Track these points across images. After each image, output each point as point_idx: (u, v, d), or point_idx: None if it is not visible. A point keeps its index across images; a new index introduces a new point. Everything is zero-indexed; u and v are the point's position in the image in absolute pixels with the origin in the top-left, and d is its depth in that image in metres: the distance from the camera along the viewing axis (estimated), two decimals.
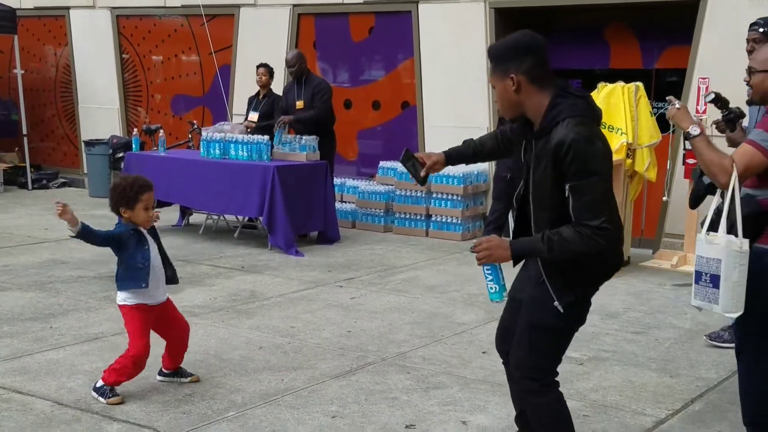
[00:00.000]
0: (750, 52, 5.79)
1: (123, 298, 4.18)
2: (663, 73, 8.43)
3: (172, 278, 4.36)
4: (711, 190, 3.92)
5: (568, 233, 2.81)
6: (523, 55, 2.88)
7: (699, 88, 7.54)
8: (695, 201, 4.29)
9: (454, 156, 3.41)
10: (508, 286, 3.15)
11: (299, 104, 8.38)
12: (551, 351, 3.11)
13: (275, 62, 10.29)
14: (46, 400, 4.16)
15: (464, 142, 3.46)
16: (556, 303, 2.95)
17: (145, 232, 4.22)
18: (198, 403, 4.15)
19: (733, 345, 5.31)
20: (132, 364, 4.10)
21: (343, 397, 4.26)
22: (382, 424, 3.94)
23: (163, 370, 4.42)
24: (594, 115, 2.90)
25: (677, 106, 3.36)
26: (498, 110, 3.09)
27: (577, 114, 2.82)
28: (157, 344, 4.33)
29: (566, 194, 2.80)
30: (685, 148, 7.40)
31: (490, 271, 3.06)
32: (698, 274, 3.27)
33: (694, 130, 3.19)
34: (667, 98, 3.69)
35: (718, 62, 7.67)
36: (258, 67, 8.87)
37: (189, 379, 4.41)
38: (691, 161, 7.34)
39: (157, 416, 3.99)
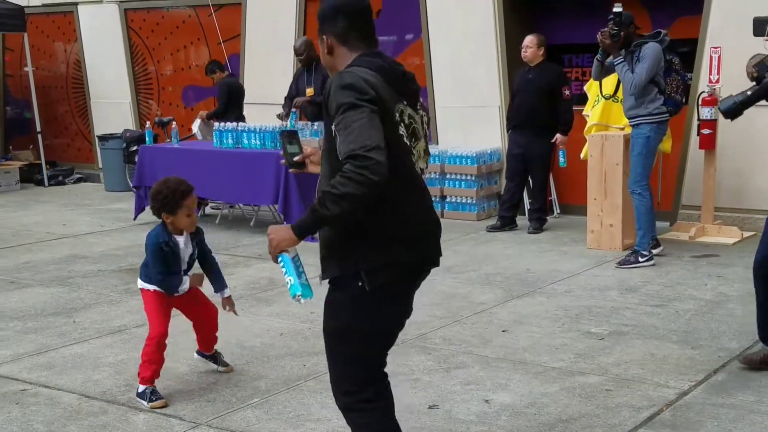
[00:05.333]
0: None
1: (141, 282, 4.18)
2: (674, 44, 8.34)
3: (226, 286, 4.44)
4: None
5: (335, 179, 2.47)
6: (335, 16, 2.73)
7: (711, 58, 7.47)
8: (736, 112, 4.69)
9: None
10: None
11: (309, 91, 8.38)
12: (353, 356, 2.71)
13: (284, 49, 10.28)
14: (73, 393, 4.21)
15: None
16: (317, 277, 2.68)
17: (182, 239, 4.15)
18: (222, 391, 4.19)
19: (636, 263, 6.49)
20: (155, 346, 4.08)
21: None
22: (405, 405, 3.96)
23: (199, 350, 4.46)
24: (384, 72, 2.62)
25: None
26: None
27: (356, 65, 2.63)
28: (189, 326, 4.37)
29: (334, 136, 2.53)
30: (699, 119, 7.36)
31: (282, 262, 2.69)
32: None
33: None
34: None
35: (729, 31, 7.60)
36: None
37: (223, 368, 4.42)
38: (706, 131, 7.29)
39: (182, 405, 4.03)
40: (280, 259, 2.68)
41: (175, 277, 4.13)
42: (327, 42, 2.75)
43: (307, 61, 8.42)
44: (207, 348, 4.44)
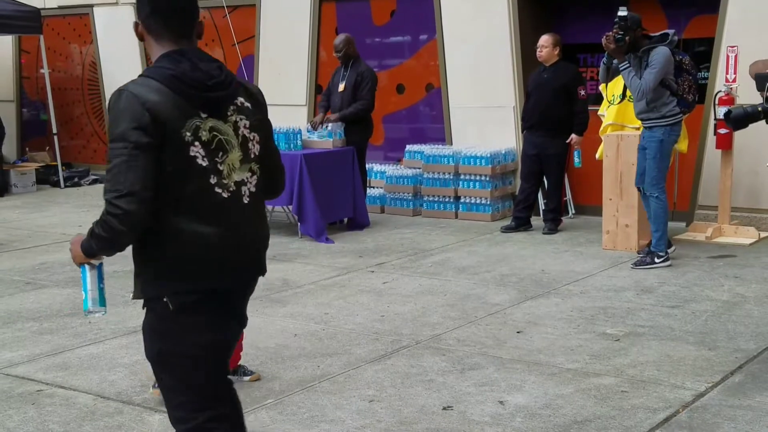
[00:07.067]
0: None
1: None
2: (690, 43, 8.30)
3: None
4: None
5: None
6: (142, 1, 2.54)
7: (728, 57, 7.42)
8: (742, 123, 4.59)
9: None
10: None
11: (341, 87, 8.40)
12: (176, 381, 2.58)
13: (299, 50, 10.32)
14: (89, 394, 4.23)
15: None
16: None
17: None
18: (236, 392, 4.19)
19: (652, 264, 6.43)
20: None
21: (379, 381, 4.28)
22: (420, 407, 3.96)
23: None
24: (176, 83, 2.42)
25: None
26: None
27: (147, 75, 2.45)
28: None
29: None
30: (715, 119, 7.30)
31: (82, 275, 2.62)
32: None
33: None
34: None
35: (745, 30, 7.54)
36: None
37: (249, 378, 4.35)
38: (722, 131, 7.24)
39: None
40: (81, 270, 2.62)
41: None
42: (137, 28, 2.57)
43: (345, 58, 8.43)
44: (231, 365, 4.37)
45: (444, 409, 3.93)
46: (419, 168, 9.12)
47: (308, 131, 8.38)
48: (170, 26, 2.51)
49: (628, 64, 6.27)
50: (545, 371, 4.38)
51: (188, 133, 2.42)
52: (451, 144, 9.33)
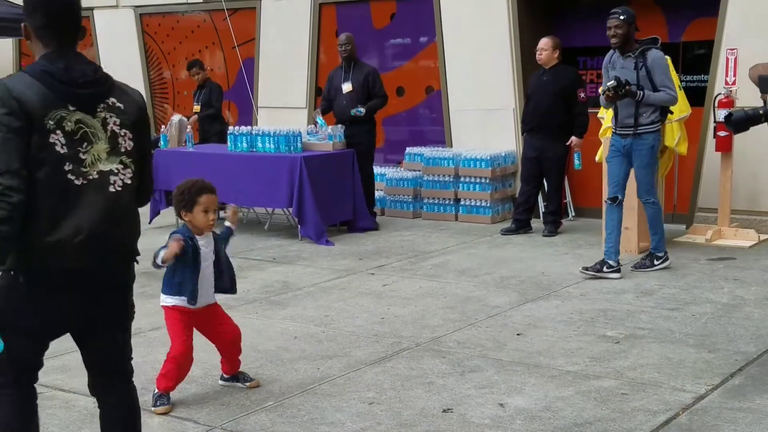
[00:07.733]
0: (613, 37, 6.13)
1: (163, 298, 4.13)
2: (690, 46, 8.31)
3: (230, 288, 4.25)
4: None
5: None
6: (33, 11, 2.75)
7: (728, 60, 7.42)
8: (743, 126, 4.59)
9: None
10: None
11: (346, 87, 8.39)
12: None
13: (298, 52, 10.32)
14: (89, 397, 4.17)
15: None
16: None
17: (203, 241, 4.09)
18: (236, 395, 4.20)
19: (652, 267, 6.39)
20: (174, 365, 4.06)
21: (379, 384, 4.28)
22: (420, 409, 3.96)
23: (222, 374, 4.35)
24: (47, 78, 2.65)
25: None
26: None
27: (23, 70, 2.70)
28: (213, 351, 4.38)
29: None
30: (715, 121, 7.31)
31: None
32: None
33: None
34: None
35: (745, 33, 7.55)
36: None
37: (248, 384, 4.30)
38: (722, 134, 7.25)
39: (197, 409, 4.04)
40: None
41: (187, 285, 4.04)
42: (25, 30, 2.78)
43: (349, 55, 8.45)
44: (231, 370, 4.33)
45: (444, 411, 3.93)
46: (419, 170, 9.12)
47: (308, 133, 8.39)
48: (59, 37, 2.74)
49: (642, 93, 6.19)
50: (545, 373, 4.38)
51: (51, 122, 2.63)
52: (451, 146, 9.33)
